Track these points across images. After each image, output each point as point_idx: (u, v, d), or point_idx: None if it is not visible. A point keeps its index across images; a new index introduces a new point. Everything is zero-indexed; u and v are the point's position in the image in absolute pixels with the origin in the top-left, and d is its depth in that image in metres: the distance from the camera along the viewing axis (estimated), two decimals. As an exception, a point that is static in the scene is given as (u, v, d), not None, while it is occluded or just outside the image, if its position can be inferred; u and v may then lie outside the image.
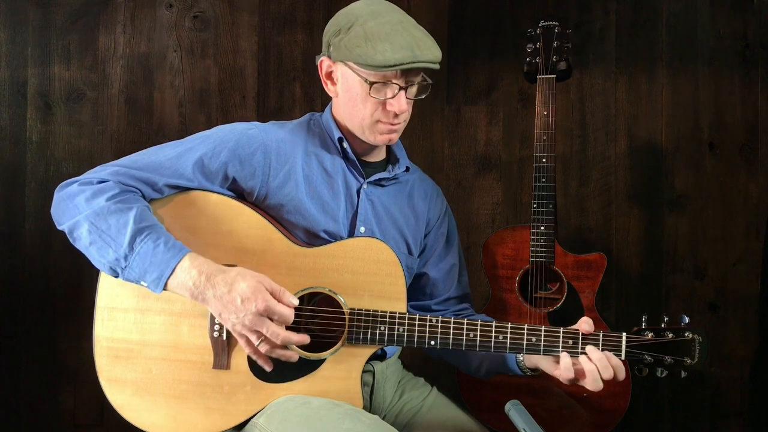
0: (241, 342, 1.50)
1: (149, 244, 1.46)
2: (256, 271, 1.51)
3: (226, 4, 2.76)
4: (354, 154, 1.72)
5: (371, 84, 1.58)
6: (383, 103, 1.61)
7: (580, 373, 1.52)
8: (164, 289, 1.47)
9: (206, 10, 2.75)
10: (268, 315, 1.46)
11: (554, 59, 2.14)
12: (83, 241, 1.49)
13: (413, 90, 1.64)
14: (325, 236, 1.66)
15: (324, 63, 1.67)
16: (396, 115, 1.63)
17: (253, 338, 1.47)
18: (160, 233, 1.48)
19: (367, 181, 1.74)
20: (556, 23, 2.16)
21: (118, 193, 1.51)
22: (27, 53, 2.71)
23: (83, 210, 1.49)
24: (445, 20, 2.77)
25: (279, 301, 1.48)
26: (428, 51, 1.55)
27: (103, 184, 1.52)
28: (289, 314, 1.47)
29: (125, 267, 1.47)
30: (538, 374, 1.67)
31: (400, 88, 1.59)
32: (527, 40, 2.18)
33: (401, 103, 1.61)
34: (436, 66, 1.58)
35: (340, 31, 1.60)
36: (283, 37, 2.76)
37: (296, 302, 1.50)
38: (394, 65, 1.52)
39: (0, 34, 2.70)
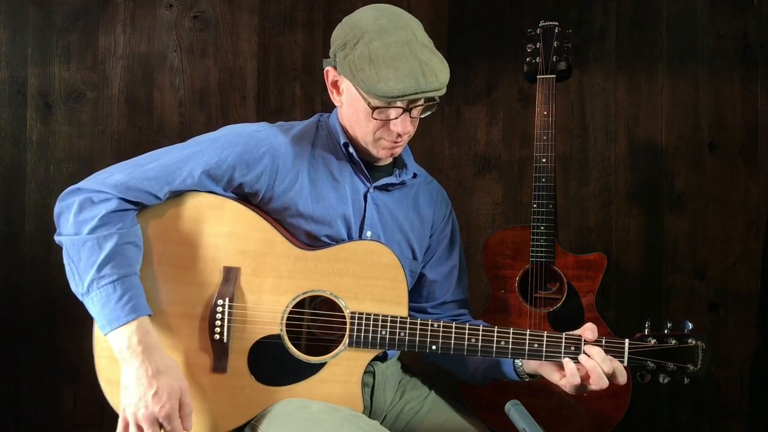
0: (120, 424, 1.46)
1: (102, 294, 1.46)
2: (257, 274, 1.50)
3: (226, 4, 2.75)
4: (361, 158, 1.70)
5: (374, 108, 1.56)
6: (386, 123, 1.59)
7: (584, 377, 1.51)
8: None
9: (206, 10, 2.75)
10: (164, 423, 1.44)
11: (554, 59, 2.14)
12: (63, 256, 1.51)
13: (418, 110, 1.61)
14: (328, 240, 1.65)
15: (330, 73, 1.64)
16: (399, 135, 1.61)
17: (132, 430, 1.45)
18: (117, 286, 1.46)
19: (373, 185, 1.72)
20: (556, 23, 2.16)
21: (102, 225, 1.49)
22: (27, 53, 2.71)
23: (69, 231, 1.50)
24: (445, 20, 2.77)
25: (182, 419, 1.46)
26: (433, 78, 1.51)
27: (96, 209, 1.50)
28: None
29: (82, 301, 1.49)
30: (537, 379, 1.67)
31: (404, 110, 1.57)
32: (527, 40, 2.18)
33: (405, 125, 1.59)
34: (441, 92, 1.54)
35: (345, 45, 1.56)
36: (283, 37, 2.76)
37: (189, 430, 1.49)
38: (397, 96, 1.49)
39: (0, 34, 2.70)
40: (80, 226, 1.49)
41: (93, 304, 1.47)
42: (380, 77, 1.49)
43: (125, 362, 1.45)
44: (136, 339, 1.45)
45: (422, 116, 1.64)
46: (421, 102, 1.58)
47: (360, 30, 1.54)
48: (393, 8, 1.60)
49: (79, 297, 1.49)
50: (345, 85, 1.62)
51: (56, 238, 1.52)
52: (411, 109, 1.58)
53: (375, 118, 1.58)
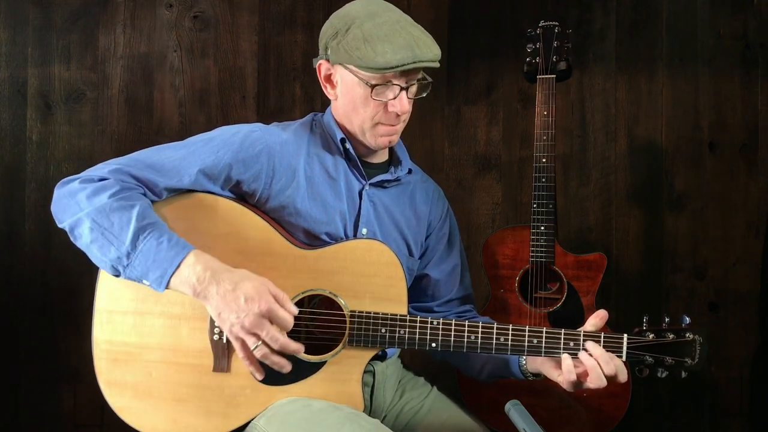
0: (236, 345, 1.46)
1: (152, 241, 1.43)
2: (256, 274, 1.50)
3: (226, 4, 2.75)
4: (356, 155, 1.71)
5: (373, 87, 1.57)
6: (385, 105, 1.61)
7: (582, 374, 1.52)
8: (167, 287, 1.44)
9: (206, 10, 2.75)
10: (270, 318, 1.43)
11: (554, 59, 2.14)
12: (84, 239, 1.46)
13: (413, 89, 1.63)
14: (326, 238, 1.66)
15: (322, 66, 1.66)
16: (397, 116, 1.63)
17: (251, 341, 1.44)
18: (163, 231, 1.45)
19: (369, 182, 1.73)
20: (556, 23, 2.15)
21: (120, 189, 1.47)
22: (27, 53, 2.71)
23: (85, 207, 1.46)
24: (445, 20, 2.77)
25: (281, 306, 1.46)
26: (428, 50, 1.55)
27: (104, 182, 1.49)
28: (290, 321, 1.46)
29: (127, 265, 1.44)
30: (540, 379, 1.68)
31: (402, 89, 1.59)
32: (527, 40, 2.18)
33: (403, 104, 1.61)
34: (437, 64, 1.58)
35: (337, 34, 1.59)
36: (283, 37, 2.76)
37: (296, 311, 1.48)
38: (396, 66, 1.52)
39: (0, 34, 2.70)
40: (96, 197, 1.46)
41: (144, 258, 1.43)
42: (377, 52, 1.52)
43: (202, 294, 1.43)
44: (201, 268, 1.43)
45: (417, 97, 1.66)
46: (415, 82, 1.61)
47: (350, 17, 1.59)
48: None
49: (124, 261, 1.43)
50: (339, 75, 1.64)
51: (67, 222, 1.48)
52: (408, 87, 1.60)
53: (374, 99, 1.59)
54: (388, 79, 1.57)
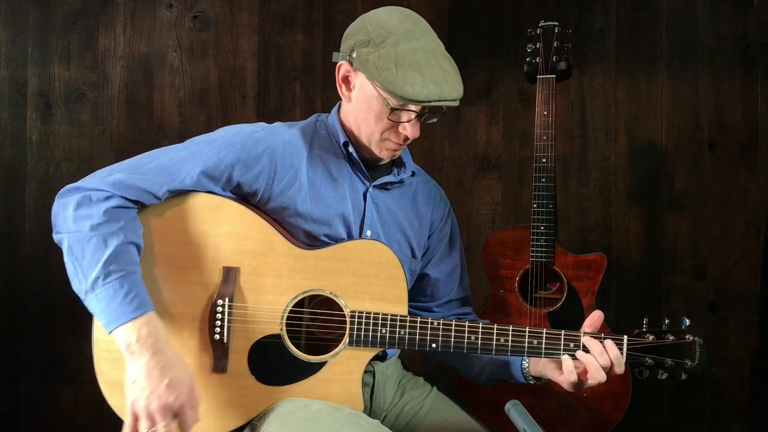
0: (129, 420, 1.43)
1: (109, 290, 1.43)
2: (256, 276, 1.51)
3: (226, 4, 2.75)
4: (359, 157, 1.71)
5: (391, 110, 1.56)
6: (396, 125, 1.60)
7: (582, 374, 1.53)
8: (110, 333, 1.45)
9: (206, 10, 2.75)
10: (177, 414, 1.42)
11: (554, 59, 2.14)
12: (64, 254, 1.49)
13: (427, 116, 1.62)
14: (327, 240, 1.66)
15: (343, 67, 1.63)
16: (406, 138, 1.62)
17: (145, 424, 1.41)
18: (124, 282, 1.44)
19: (372, 184, 1.73)
20: (556, 23, 2.16)
21: (106, 222, 1.47)
22: (27, 53, 2.71)
23: (69, 229, 1.48)
24: (445, 20, 2.77)
25: (192, 408, 1.45)
26: (454, 88, 1.53)
27: (96, 207, 1.48)
28: (191, 426, 1.44)
29: (84, 299, 1.46)
30: (541, 383, 1.68)
31: (417, 116, 1.59)
32: (527, 40, 2.18)
33: (415, 130, 1.60)
34: (457, 103, 1.57)
35: (369, 43, 1.56)
36: (283, 37, 2.76)
37: (199, 420, 1.47)
38: (422, 101, 1.51)
39: (0, 34, 2.70)
40: (81, 222, 1.47)
41: (97, 301, 1.44)
42: (407, 80, 1.50)
43: (134, 356, 1.43)
44: (146, 332, 1.43)
45: (429, 122, 1.65)
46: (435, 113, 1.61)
47: (386, 30, 1.55)
48: (414, 14, 1.62)
49: (82, 294, 1.46)
50: (358, 81, 1.62)
51: (55, 236, 1.51)
52: (423, 114, 1.59)
53: (389, 119, 1.58)
54: (407, 106, 1.56)
